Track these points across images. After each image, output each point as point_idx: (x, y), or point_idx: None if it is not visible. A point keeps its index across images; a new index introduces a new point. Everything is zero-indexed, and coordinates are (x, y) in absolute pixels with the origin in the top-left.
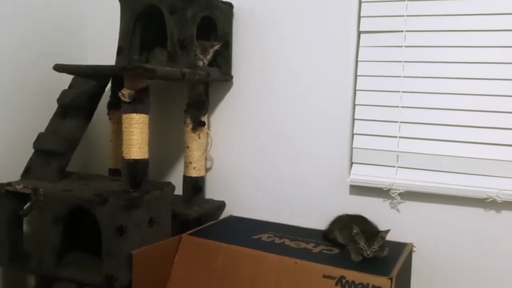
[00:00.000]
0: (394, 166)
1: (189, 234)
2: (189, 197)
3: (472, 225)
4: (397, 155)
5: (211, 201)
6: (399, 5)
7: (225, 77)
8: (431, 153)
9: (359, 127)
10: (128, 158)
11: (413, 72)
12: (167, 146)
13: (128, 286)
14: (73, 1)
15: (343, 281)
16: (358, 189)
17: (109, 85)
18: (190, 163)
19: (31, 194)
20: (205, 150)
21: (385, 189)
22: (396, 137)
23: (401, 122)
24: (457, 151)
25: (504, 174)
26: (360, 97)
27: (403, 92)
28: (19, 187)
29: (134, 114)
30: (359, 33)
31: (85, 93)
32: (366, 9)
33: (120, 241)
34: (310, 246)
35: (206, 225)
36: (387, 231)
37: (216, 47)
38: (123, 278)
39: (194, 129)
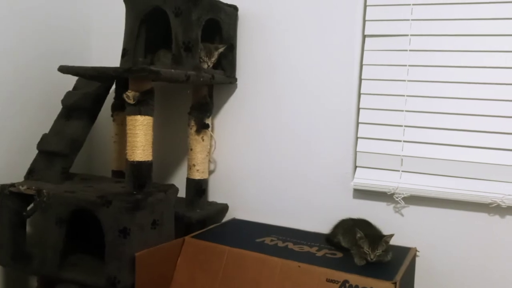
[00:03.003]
0: (398, 170)
1: (192, 237)
2: (192, 200)
3: (476, 230)
4: (401, 159)
5: (214, 203)
6: (404, 9)
7: (230, 80)
8: (436, 158)
9: (363, 130)
10: (132, 160)
11: (418, 76)
12: (171, 148)
13: None
14: (78, 2)
15: (347, 285)
16: (362, 193)
17: (113, 87)
18: (194, 165)
19: (34, 195)
20: (209, 152)
21: (389, 193)
22: (400, 141)
23: (405, 126)
24: (462, 155)
25: (509, 179)
26: (365, 101)
27: (407, 96)
28: (22, 188)
29: (139, 116)
30: (364, 36)
31: (89, 94)
32: (371, 12)
33: (123, 243)
34: (313, 249)
35: (209, 227)
36: (391, 235)
37: (221, 50)
38: (126, 280)
39: (198, 131)
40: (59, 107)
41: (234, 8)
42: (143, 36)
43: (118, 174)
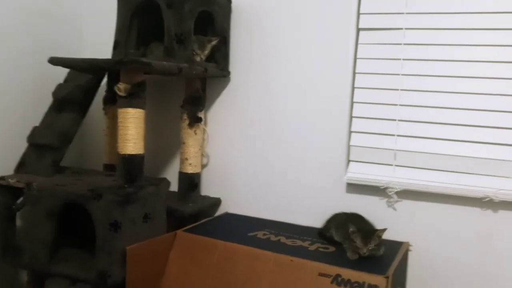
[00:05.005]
0: (392, 165)
1: (184, 231)
2: (185, 194)
3: (468, 224)
4: (395, 153)
5: (206, 197)
6: (398, 2)
7: (223, 73)
8: (429, 152)
9: (356, 124)
10: (123, 153)
11: (412, 70)
12: (163, 141)
13: (121, 283)
14: None
15: (339, 279)
16: (355, 187)
17: (105, 79)
18: (186, 159)
19: (24, 188)
20: (201, 146)
21: (382, 187)
22: (394, 135)
23: (399, 120)
24: (455, 150)
25: (502, 174)
26: (358, 95)
27: (401, 90)
28: (12, 181)
29: (130, 109)
30: (358, 30)
31: (81, 87)
32: (366, 6)
33: (114, 237)
34: (306, 243)
35: (201, 221)
36: (384, 229)
37: (214, 43)
38: (116, 274)
39: (191, 125)
40: (49, 100)
41: (228, 0)
42: (135, 28)
43: (109, 168)
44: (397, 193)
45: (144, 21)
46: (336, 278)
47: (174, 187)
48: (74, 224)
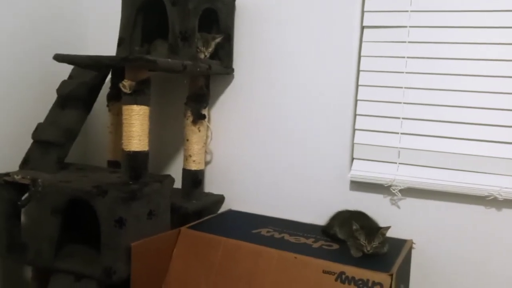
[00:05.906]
0: (396, 163)
1: (188, 228)
2: (188, 191)
3: (472, 222)
4: (399, 151)
5: (210, 194)
6: (403, 0)
7: (226, 70)
8: (433, 150)
9: (360, 122)
10: (128, 150)
11: (416, 68)
12: (167, 138)
13: (126, 279)
14: None
15: (343, 276)
16: (359, 185)
17: (109, 76)
18: (190, 156)
19: (29, 185)
20: (205, 143)
21: (386, 185)
22: (398, 133)
23: (403, 118)
24: (459, 148)
25: (506, 172)
26: (362, 93)
27: (405, 88)
28: (17, 178)
29: (135, 106)
30: (363, 27)
31: (85, 84)
32: (370, 3)
33: (119, 233)
34: (309, 241)
35: (205, 218)
36: (388, 227)
37: (218, 40)
38: (121, 270)
39: (194, 122)
40: (54, 96)
41: None
42: (140, 25)
43: (114, 164)
44: (401, 191)
45: (148, 18)
46: (340, 276)
47: (177, 184)
48: (79, 221)
